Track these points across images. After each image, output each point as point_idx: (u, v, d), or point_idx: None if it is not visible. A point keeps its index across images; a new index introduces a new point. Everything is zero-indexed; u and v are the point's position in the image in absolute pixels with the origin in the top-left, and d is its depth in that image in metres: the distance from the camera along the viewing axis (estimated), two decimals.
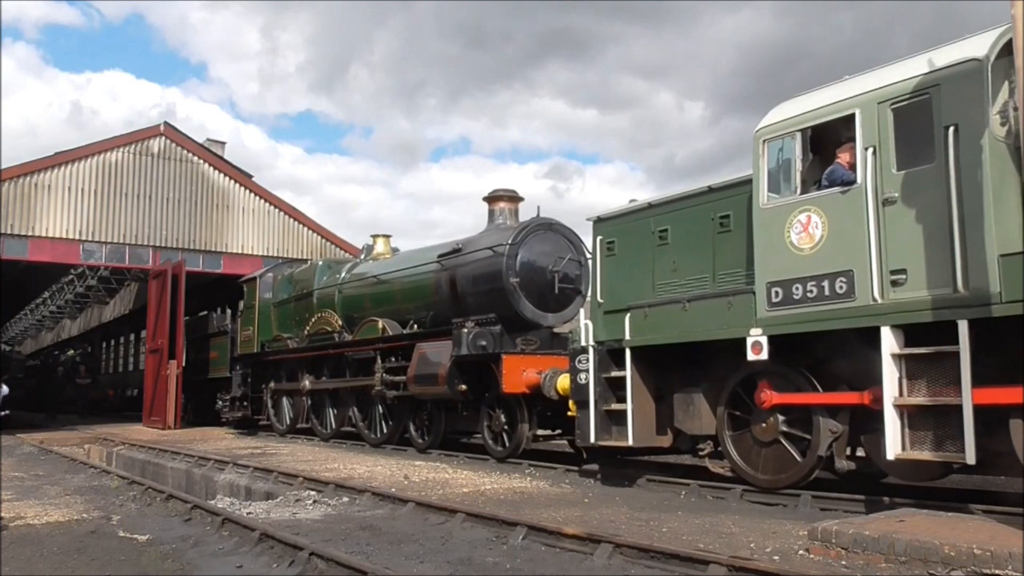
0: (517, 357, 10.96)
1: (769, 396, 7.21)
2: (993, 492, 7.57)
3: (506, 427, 11.10)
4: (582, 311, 11.79)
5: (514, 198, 12.85)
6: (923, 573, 4.55)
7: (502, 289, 11.52)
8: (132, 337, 37.86)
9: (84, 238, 20.12)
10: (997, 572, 4.35)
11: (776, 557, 5.10)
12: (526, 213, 12.68)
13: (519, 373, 10.69)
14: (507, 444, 11.09)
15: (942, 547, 4.60)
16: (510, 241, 11.60)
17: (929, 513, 5.79)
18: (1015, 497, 6.77)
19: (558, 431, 11.59)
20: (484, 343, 11.11)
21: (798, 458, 7.19)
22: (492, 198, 12.85)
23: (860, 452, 7.13)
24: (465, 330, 11.18)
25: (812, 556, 5.13)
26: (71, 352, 39.35)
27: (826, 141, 7.17)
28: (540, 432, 11.34)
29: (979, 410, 5.53)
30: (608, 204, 9.39)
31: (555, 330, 12.06)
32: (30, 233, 19.44)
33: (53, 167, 19.92)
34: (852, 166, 6.60)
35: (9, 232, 19.12)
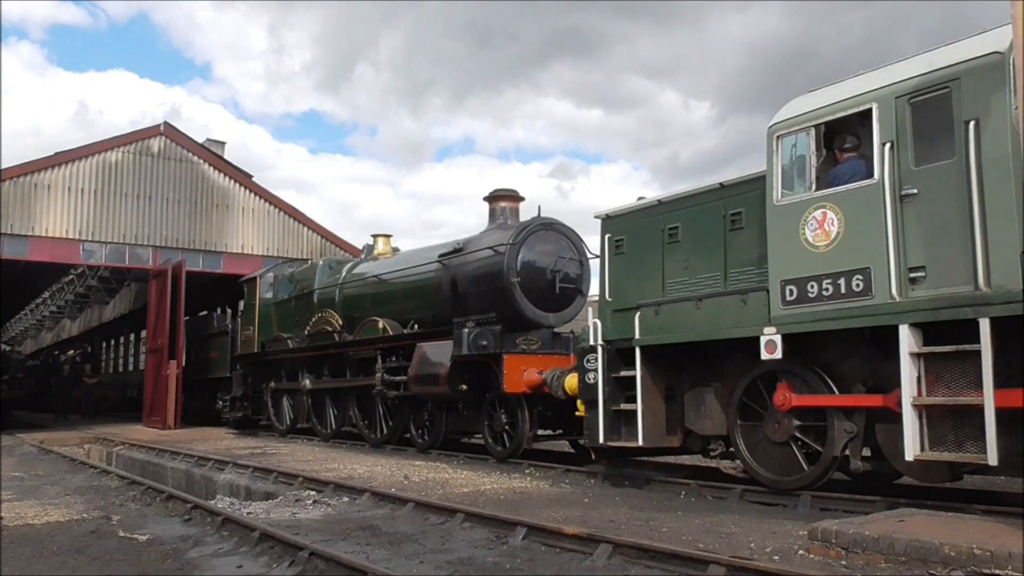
0: (518, 357, 10.96)
1: (788, 398, 7.14)
2: (993, 492, 7.57)
3: (507, 427, 11.10)
4: (590, 310, 11.76)
5: (515, 197, 12.83)
6: (923, 573, 4.55)
7: (503, 288, 11.51)
8: (132, 337, 37.85)
9: (84, 238, 20.10)
10: (997, 572, 4.34)
11: (776, 557, 5.10)
12: (527, 213, 12.70)
13: (520, 373, 10.70)
14: (508, 444, 11.10)
15: (942, 547, 4.60)
16: (511, 241, 11.59)
17: (929, 513, 5.78)
18: (1015, 497, 6.78)
19: (559, 431, 11.60)
20: (485, 343, 11.10)
21: (806, 467, 7.17)
22: (493, 197, 12.83)
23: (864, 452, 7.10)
24: (466, 330, 11.17)
25: (812, 556, 5.13)
26: (71, 352, 39.33)
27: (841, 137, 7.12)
28: (541, 432, 11.35)
29: (998, 410, 5.43)
30: (612, 203, 9.33)
31: (556, 330, 12.06)
32: (30, 233, 19.42)
33: (53, 167, 19.90)
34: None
35: (9, 232, 19.10)
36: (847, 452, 6.88)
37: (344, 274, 15.70)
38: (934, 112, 6.11)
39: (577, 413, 9.17)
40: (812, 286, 6.69)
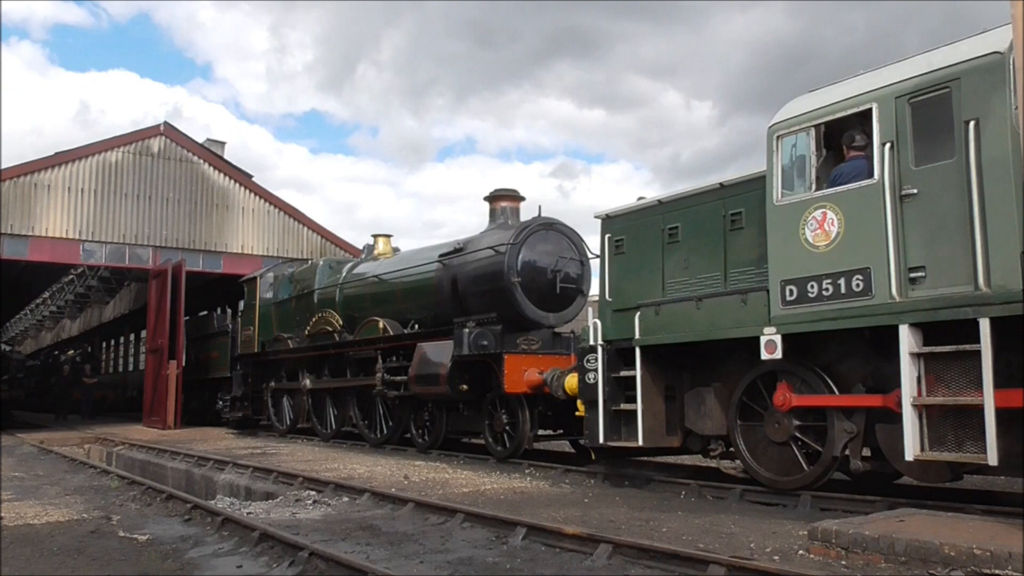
0: (518, 357, 10.96)
1: (788, 398, 7.13)
2: (993, 492, 7.57)
3: (507, 427, 11.10)
4: (589, 310, 11.76)
5: (515, 197, 12.82)
6: (923, 573, 4.55)
7: (503, 289, 11.51)
8: (132, 337, 37.86)
9: (84, 238, 20.11)
10: (997, 572, 4.34)
11: (776, 557, 5.10)
12: (528, 212, 12.69)
13: (520, 373, 10.69)
14: (508, 444, 11.09)
15: (942, 547, 4.60)
16: (511, 241, 11.58)
17: (929, 513, 5.78)
18: (1015, 497, 6.78)
19: (559, 431, 11.59)
20: (485, 343, 11.10)
21: (806, 467, 7.18)
22: (493, 197, 12.82)
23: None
24: (466, 330, 11.17)
25: (812, 556, 5.13)
26: (71, 352, 39.34)
27: (840, 137, 7.12)
28: (541, 432, 11.34)
29: (998, 410, 5.42)
30: (613, 203, 9.33)
31: (556, 330, 12.06)
32: (30, 233, 19.43)
33: (53, 167, 19.91)
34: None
35: (9, 232, 19.11)
36: (847, 452, 6.87)
37: (344, 274, 15.70)
38: (934, 112, 6.11)
39: (577, 413, 9.17)
40: (812, 286, 6.68)
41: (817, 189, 6.82)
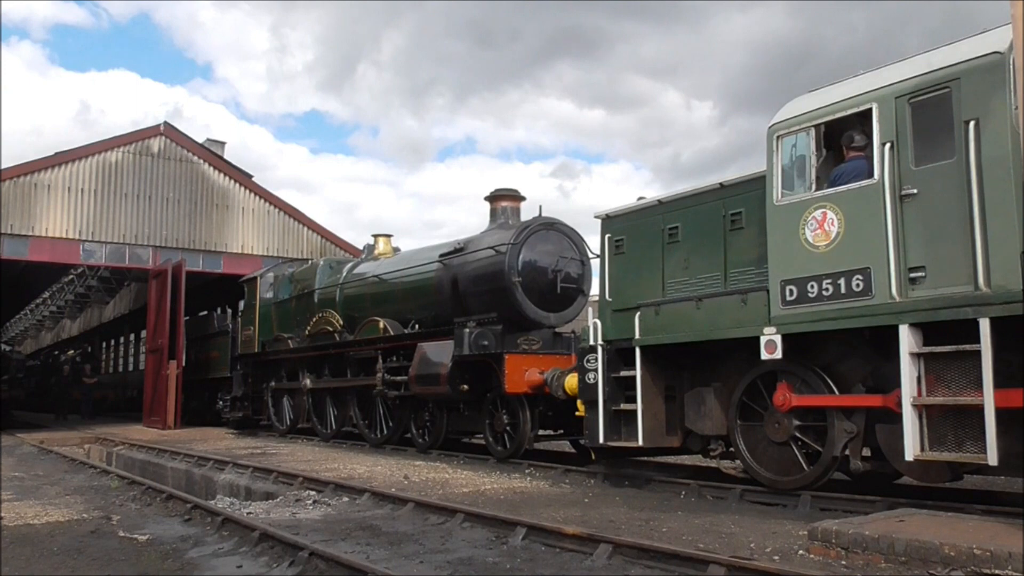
0: (519, 357, 10.97)
1: (788, 398, 7.14)
2: (993, 492, 7.57)
3: (508, 427, 11.10)
4: (590, 310, 11.76)
5: (516, 197, 12.82)
6: (923, 573, 4.55)
7: (504, 288, 11.51)
8: (132, 337, 37.86)
9: (84, 238, 20.12)
10: (997, 572, 4.34)
11: (776, 557, 5.10)
12: (529, 212, 12.69)
13: (521, 373, 10.70)
14: (508, 444, 11.09)
15: (942, 547, 4.60)
16: (512, 240, 11.58)
17: (929, 513, 5.78)
18: (1015, 497, 6.78)
19: (560, 431, 11.60)
20: (486, 343, 11.11)
21: (806, 467, 7.18)
22: (494, 197, 12.82)
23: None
24: (467, 330, 11.18)
25: (812, 556, 5.13)
26: (71, 352, 39.36)
27: (840, 137, 7.13)
28: (541, 432, 11.35)
29: (998, 410, 5.41)
30: (614, 203, 9.34)
31: (557, 330, 12.07)
32: (30, 233, 19.44)
33: (53, 167, 19.91)
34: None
35: (9, 232, 19.12)
36: (847, 452, 6.87)
37: (344, 274, 15.70)
38: (934, 112, 6.10)
39: (577, 413, 9.17)
40: (812, 286, 6.68)
41: (817, 189, 6.82)
